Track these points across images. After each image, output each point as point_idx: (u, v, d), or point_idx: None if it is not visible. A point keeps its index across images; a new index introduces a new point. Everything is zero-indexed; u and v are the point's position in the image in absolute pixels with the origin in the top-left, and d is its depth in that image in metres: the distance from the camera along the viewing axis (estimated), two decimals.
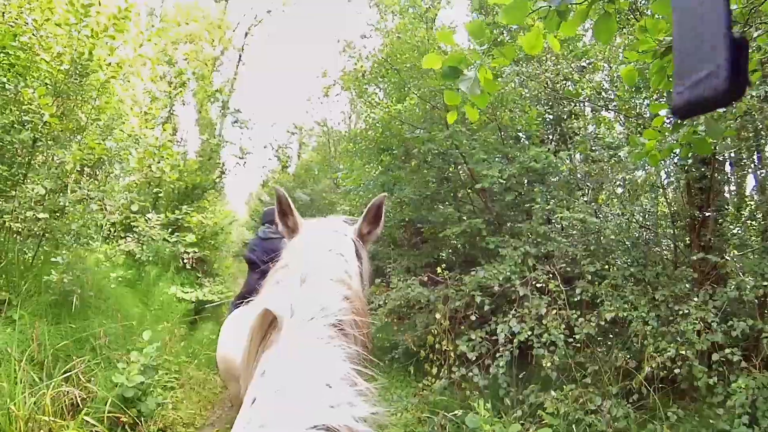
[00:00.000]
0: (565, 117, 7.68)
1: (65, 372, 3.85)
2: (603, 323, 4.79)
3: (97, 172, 6.61)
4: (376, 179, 7.44)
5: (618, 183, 8.46)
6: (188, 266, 6.57)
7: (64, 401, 3.56)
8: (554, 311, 4.94)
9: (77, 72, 5.19)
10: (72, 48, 5.23)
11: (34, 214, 3.91)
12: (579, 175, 9.12)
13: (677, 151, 2.86)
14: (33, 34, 5.32)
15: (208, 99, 9.68)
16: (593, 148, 7.29)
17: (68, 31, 5.33)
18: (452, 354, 4.92)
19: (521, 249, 5.53)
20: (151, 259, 6.26)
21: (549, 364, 4.68)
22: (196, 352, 6.04)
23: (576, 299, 5.12)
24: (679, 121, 2.51)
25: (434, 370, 4.96)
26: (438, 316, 4.97)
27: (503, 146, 6.98)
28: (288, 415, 0.69)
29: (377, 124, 7.20)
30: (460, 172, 7.65)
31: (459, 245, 7.69)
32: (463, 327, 5.28)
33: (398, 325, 5.48)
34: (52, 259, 3.95)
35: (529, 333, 4.78)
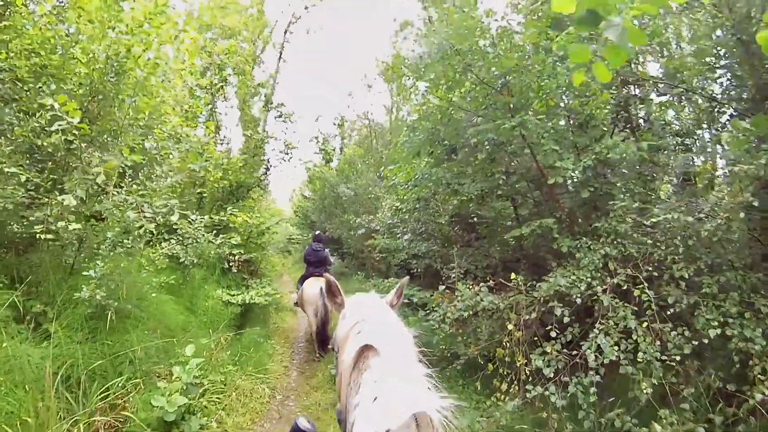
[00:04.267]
0: (632, 103, 6.74)
1: (102, 394, 3.58)
2: (696, 339, 3.99)
3: (139, 174, 6.45)
4: (430, 173, 6.80)
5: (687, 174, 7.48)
6: (234, 269, 6.28)
7: (100, 428, 3.26)
8: (645, 324, 4.16)
9: (113, 70, 4.95)
10: (107, 46, 4.99)
11: (66, 224, 3.64)
12: (651, 166, 8.09)
13: None
14: (67, 34, 5.15)
15: (250, 95, 9.40)
16: (661, 135, 6.36)
17: (102, 29, 5.11)
18: (525, 369, 4.26)
19: (600, 251, 4.74)
20: (195, 262, 6.01)
21: (644, 387, 3.93)
22: (243, 359, 5.73)
23: (671, 311, 4.32)
24: None
25: (504, 386, 4.33)
26: (510, 326, 4.32)
27: (573, 135, 6.13)
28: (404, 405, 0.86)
29: (435, 111, 6.54)
30: (519, 163, 6.87)
31: (524, 246, 6.95)
32: (536, 338, 4.59)
33: (460, 334, 4.85)
34: (84, 273, 3.67)
35: (616, 349, 4.04)
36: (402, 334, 1.13)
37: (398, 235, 10.21)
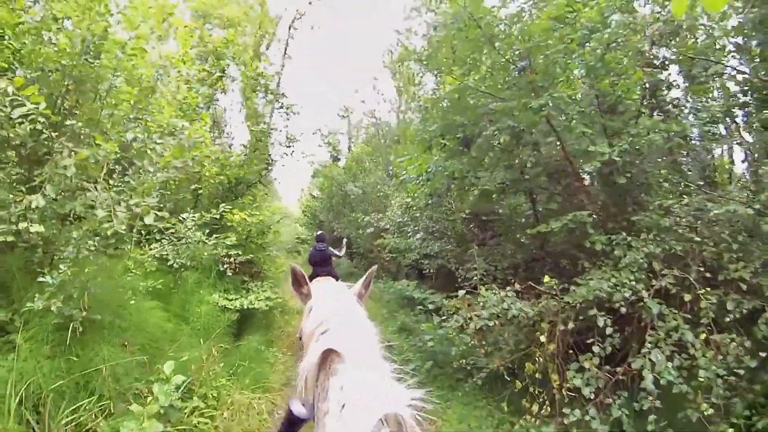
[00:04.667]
0: (662, 85, 6.12)
1: (70, 417, 3.09)
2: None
3: (130, 170, 5.97)
4: (444, 166, 6.21)
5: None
6: (229, 271, 5.77)
7: None
8: (703, 336, 3.55)
9: (90, 53, 4.46)
10: (86, 27, 4.50)
11: (28, 225, 3.15)
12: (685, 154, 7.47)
13: None
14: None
15: (251, 87, 8.91)
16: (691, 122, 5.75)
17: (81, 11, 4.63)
18: (560, 388, 3.67)
19: (644, 249, 4.13)
20: (188, 264, 5.51)
21: (704, 408, 3.32)
22: (241, 371, 5.21)
23: (730, 318, 3.71)
24: None
25: (535, 408, 3.74)
26: (543, 338, 3.72)
27: (602, 118, 5.51)
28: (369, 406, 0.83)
29: (448, 98, 5.95)
30: (540, 153, 6.25)
31: (545, 245, 6.34)
32: (570, 351, 3.99)
33: (482, 345, 4.26)
34: (39, 279, 3.17)
35: (669, 365, 3.43)
36: (368, 333, 1.09)
37: (409, 234, 9.67)
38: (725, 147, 7.63)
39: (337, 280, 7.55)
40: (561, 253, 5.59)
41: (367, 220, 12.23)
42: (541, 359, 3.74)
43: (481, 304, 3.98)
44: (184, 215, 5.45)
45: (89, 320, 3.44)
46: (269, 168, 7.81)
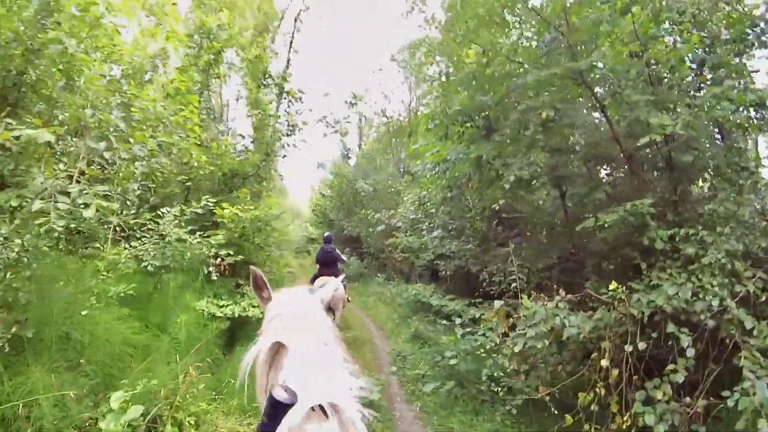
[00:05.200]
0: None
1: None
2: None
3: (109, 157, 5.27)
4: (466, 152, 5.36)
5: None
6: (214, 275, 5.01)
7: None
8: None
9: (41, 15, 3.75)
10: None
11: None
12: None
13: None
14: None
15: (251, 73, 8.17)
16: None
17: None
18: (623, 425, 2.82)
19: (725, 246, 3.25)
20: (170, 265, 4.77)
21: None
22: (228, 390, 4.45)
23: None
24: None
25: None
26: (603, 362, 2.87)
27: (652, 90, 4.61)
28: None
29: (470, 76, 5.11)
30: (577, 137, 5.39)
31: (577, 244, 5.48)
32: (632, 373, 3.13)
33: (521, 366, 3.40)
34: None
35: None
36: (319, 329, 1.09)
37: (423, 232, 8.87)
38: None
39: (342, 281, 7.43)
40: (609, 251, 4.70)
41: (378, 218, 11.41)
42: (601, 389, 2.89)
43: (523, 316, 3.13)
44: (164, 210, 4.72)
45: (20, 338, 2.70)
46: (269, 158, 7.07)
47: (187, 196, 6.18)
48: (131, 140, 4.06)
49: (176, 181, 5.99)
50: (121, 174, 4.79)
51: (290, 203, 30.75)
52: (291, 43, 15.88)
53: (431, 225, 8.55)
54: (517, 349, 3.04)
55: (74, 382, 3.01)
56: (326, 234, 8.75)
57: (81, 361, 3.28)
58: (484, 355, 3.89)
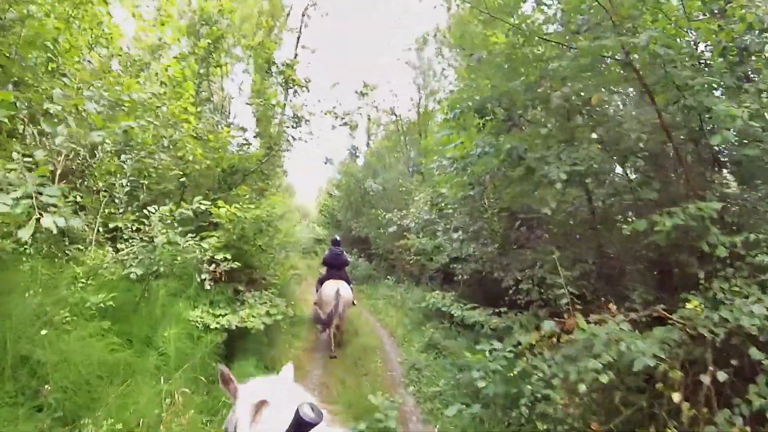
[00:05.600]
0: None
1: None
2: None
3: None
4: (495, 144, 4.76)
5: None
6: (207, 284, 4.43)
7: None
8: None
9: None
10: None
11: None
12: None
13: None
14: None
15: (256, 63, 7.64)
16: None
17: None
18: None
19: None
20: (160, 271, 4.24)
21: None
22: (222, 416, 3.91)
23: None
24: None
25: None
26: (676, 397, 2.29)
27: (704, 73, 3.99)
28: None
29: (499, 57, 4.52)
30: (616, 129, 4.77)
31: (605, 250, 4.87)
32: (705, 410, 2.53)
33: (574, 401, 2.81)
34: None
35: None
36: (294, 389, 1.22)
37: (437, 233, 8.26)
38: None
39: (349, 283, 7.76)
40: (659, 258, 4.08)
41: (389, 218, 10.84)
42: (674, 430, 2.30)
43: (587, 343, 2.52)
44: (151, 208, 4.19)
45: None
46: (272, 152, 6.52)
47: (183, 194, 5.66)
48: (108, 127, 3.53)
49: (171, 178, 5.46)
50: (103, 168, 4.29)
51: (297, 203, 30.32)
52: (298, 38, 15.40)
53: (447, 226, 7.96)
54: (572, 378, 2.45)
55: (30, 417, 2.48)
56: (335, 236, 8.89)
57: (45, 387, 2.75)
58: (516, 376, 3.31)
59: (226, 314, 4.89)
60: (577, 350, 2.49)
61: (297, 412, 0.92)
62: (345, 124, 6.70)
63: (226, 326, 4.62)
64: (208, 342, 4.45)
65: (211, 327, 4.47)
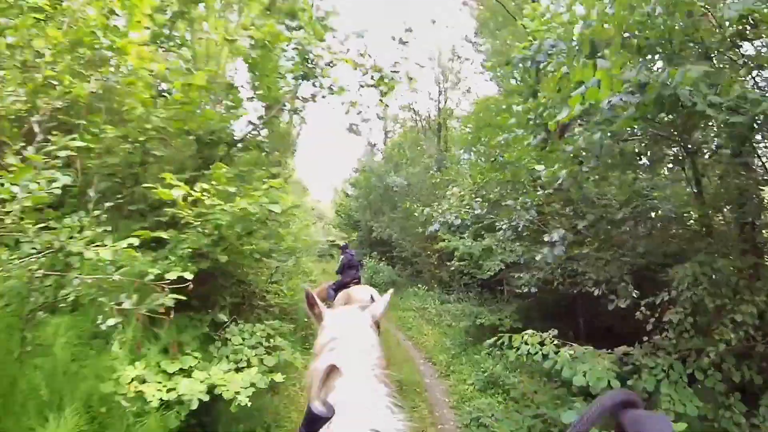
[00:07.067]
0: None
1: None
2: None
3: None
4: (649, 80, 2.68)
5: None
6: (139, 327, 2.46)
7: None
8: None
9: None
10: None
11: None
12: None
13: None
14: None
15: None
16: None
17: None
18: None
19: None
20: (72, 299, 2.31)
21: None
22: None
23: None
24: None
25: None
26: None
27: None
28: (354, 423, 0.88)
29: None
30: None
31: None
32: None
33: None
34: None
35: None
36: (370, 356, 1.14)
37: (499, 232, 6.14)
38: None
39: (358, 284, 7.73)
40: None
41: (427, 213, 8.79)
42: None
43: None
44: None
45: None
46: (273, 111, 4.45)
47: (136, 177, 3.70)
48: None
49: (119, 150, 3.51)
50: None
51: (311, 202, 28.63)
52: None
53: (508, 223, 5.86)
54: None
55: None
56: (343, 243, 9.74)
57: None
58: None
59: (191, 368, 2.91)
60: None
61: (309, 407, 0.92)
62: (381, 79, 4.61)
63: (187, 397, 2.62)
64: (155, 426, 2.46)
65: (155, 402, 2.47)
